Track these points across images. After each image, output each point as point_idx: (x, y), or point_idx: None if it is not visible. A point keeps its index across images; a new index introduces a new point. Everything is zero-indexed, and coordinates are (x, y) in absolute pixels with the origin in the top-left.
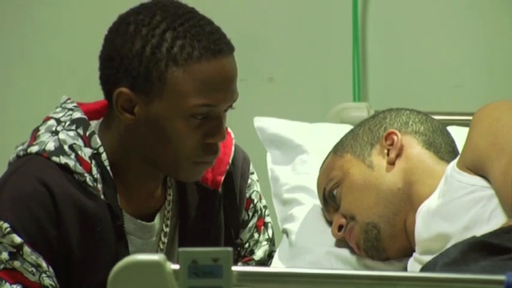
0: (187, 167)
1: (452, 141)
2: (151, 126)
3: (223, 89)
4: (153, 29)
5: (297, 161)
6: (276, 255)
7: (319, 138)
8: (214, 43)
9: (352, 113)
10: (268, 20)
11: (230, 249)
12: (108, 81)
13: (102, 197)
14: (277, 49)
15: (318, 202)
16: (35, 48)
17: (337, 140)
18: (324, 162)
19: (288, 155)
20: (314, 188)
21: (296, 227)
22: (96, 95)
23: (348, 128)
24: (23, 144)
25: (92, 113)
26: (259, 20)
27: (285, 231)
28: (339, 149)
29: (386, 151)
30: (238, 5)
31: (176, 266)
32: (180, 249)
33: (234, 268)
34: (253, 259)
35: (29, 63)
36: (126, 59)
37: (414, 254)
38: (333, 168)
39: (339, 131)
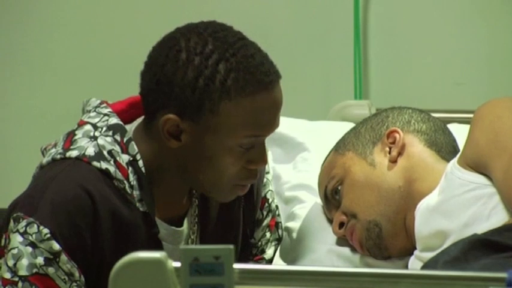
0: (226, 189)
1: (454, 141)
2: (197, 153)
3: (273, 119)
4: (206, 59)
5: (298, 159)
6: (277, 253)
7: (321, 136)
8: (266, 75)
9: (353, 110)
10: (269, 17)
11: (231, 246)
12: (153, 103)
13: (137, 204)
14: (279, 47)
15: (319, 200)
16: (35, 47)
17: (339, 137)
18: (325, 160)
19: (290, 153)
20: (315, 186)
21: (298, 225)
22: (95, 94)
23: (349, 126)
24: (54, 146)
25: (120, 113)
26: (260, 18)
27: (287, 229)
28: (340, 147)
29: (388, 149)
30: (240, 3)
31: (178, 264)
32: (181, 246)
33: (236, 266)
34: (263, 258)
35: (29, 63)
36: (178, 87)
37: (415, 252)
38: (335, 166)
39: (340, 128)
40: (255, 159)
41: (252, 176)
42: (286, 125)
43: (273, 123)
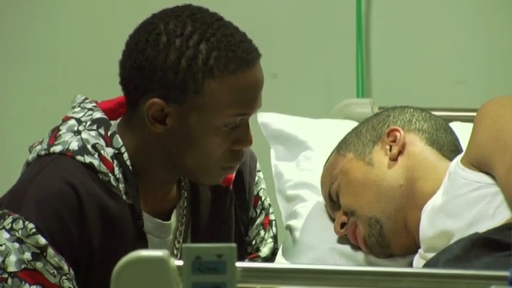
0: (213, 172)
1: (456, 140)
2: (183, 136)
3: (256, 96)
4: (187, 41)
5: (301, 158)
6: (279, 252)
7: (323, 135)
8: (247, 53)
9: (355, 109)
10: (271, 15)
11: (234, 245)
12: (135, 89)
13: (123, 197)
14: (281, 45)
15: (321, 199)
16: (36, 46)
17: (341, 136)
18: (328, 160)
19: (292, 151)
20: (318, 184)
21: (300, 223)
22: (93, 93)
23: (351, 124)
24: (40, 143)
25: (108, 111)
26: (262, 16)
27: (289, 228)
28: (342, 148)
29: (388, 147)
30: (241, 1)
31: (180, 262)
32: (184, 245)
33: (238, 264)
34: (259, 256)
35: (30, 62)
36: (160, 70)
37: (419, 251)
38: (335, 167)
39: (342, 127)
40: (240, 138)
41: (239, 158)
42: (289, 123)
43: (256, 101)
